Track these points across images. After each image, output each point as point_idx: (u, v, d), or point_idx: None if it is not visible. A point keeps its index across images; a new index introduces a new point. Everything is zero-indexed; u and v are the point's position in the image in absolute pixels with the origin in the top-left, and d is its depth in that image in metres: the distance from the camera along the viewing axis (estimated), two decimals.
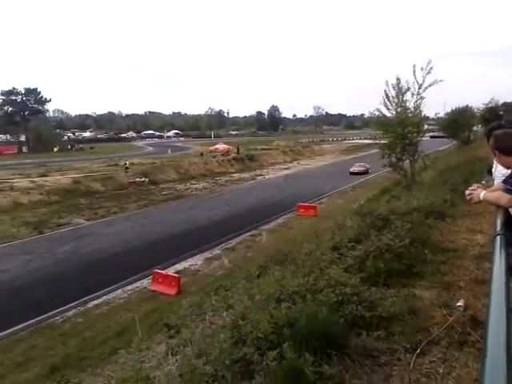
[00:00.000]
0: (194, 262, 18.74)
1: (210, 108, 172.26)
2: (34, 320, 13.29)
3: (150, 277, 16.14)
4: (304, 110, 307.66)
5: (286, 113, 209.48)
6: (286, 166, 59.61)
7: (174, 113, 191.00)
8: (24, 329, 12.87)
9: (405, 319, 4.54)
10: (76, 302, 14.55)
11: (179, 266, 17.98)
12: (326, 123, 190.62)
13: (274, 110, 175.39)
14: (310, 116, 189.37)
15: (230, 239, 22.00)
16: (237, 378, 3.98)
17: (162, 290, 15.25)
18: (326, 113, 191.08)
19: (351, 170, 47.36)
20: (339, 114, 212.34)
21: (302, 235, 16.00)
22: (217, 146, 70.91)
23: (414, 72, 22.37)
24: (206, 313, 6.74)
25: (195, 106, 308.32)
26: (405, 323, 4.46)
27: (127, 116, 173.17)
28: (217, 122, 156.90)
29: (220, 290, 9.22)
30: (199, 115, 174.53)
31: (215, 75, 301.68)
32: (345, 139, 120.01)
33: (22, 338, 12.41)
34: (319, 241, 9.41)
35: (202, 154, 60.10)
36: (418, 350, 3.92)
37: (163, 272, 16.02)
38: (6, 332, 12.57)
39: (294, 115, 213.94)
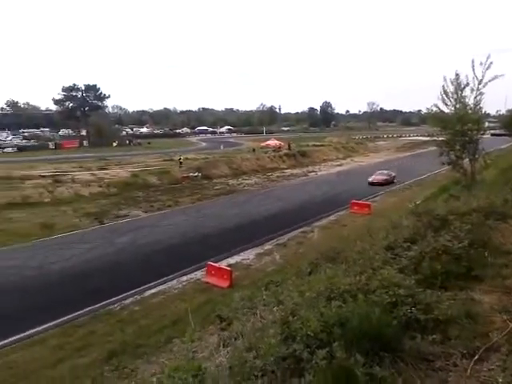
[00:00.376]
0: (246, 256, 18.98)
1: (261, 104, 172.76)
2: (92, 307, 13.95)
3: (204, 269, 16.52)
4: (357, 106, 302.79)
5: (339, 109, 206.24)
6: (338, 163, 58.74)
7: (226, 109, 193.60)
8: (83, 315, 13.52)
9: (462, 323, 4.39)
10: (133, 291, 15.15)
11: (231, 260, 18.28)
12: (380, 119, 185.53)
13: (327, 105, 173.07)
14: (364, 112, 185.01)
15: (281, 235, 22.06)
16: (286, 374, 4.00)
17: (215, 282, 15.59)
18: (381, 109, 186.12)
19: (370, 180, 38.20)
20: (394, 109, 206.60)
21: (355, 233, 15.73)
22: (268, 142, 70.90)
23: (473, 67, 21.37)
24: (257, 307, 6.80)
25: (247, 102, 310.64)
26: (462, 327, 4.31)
27: (182, 112, 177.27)
28: (268, 118, 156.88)
29: (271, 285, 9.25)
30: (251, 111, 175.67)
31: (267, 71, 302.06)
32: (400, 136, 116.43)
33: (81, 324, 13.04)
34: (373, 240, 9.23)
35: (253, 150, 60.39)
36: (476, 357, 3.78)
37: (216, 265, 16.35)
38: (66, 317, 13.26)
39: (347, 111, 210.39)
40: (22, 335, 12.14)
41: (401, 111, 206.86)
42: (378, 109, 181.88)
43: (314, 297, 5.22)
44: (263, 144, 69.66)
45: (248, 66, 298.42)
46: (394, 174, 39.54)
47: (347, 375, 3.56)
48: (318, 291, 5.31)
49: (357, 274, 5.57)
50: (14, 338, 12.02)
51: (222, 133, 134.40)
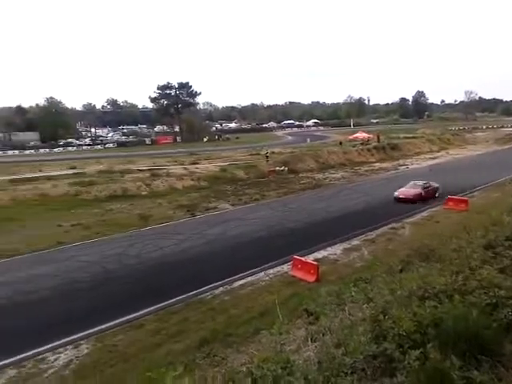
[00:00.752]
0: (333, 251, 18.78)
1: (349, 96, 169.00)
2: (186, 295, 14.61)
3: (290, 262, 16.63)
4: (453, 95, 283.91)
5: (433, 98, 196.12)
6: (432, 156, 55.83)
7: (313, 102, 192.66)
8: (177, 302, 14.22)
9: None
10: (223, 281, 15.65)
11: (318, 255, 18.17)
12: (478, 109, 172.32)
13: (420, 95, 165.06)
14: (461, 101, 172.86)
15: (370, 230, 21.50)
16: (377, 373, 3.96)
17: (302, 276, 15.61)
18: (480, 98, 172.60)
19: (396, 195, 28.21)
20: (494, 98, 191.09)
21: (450, 230, 14.94)
22: (356, 135, 69.53)
23: None
24: (345, 303, 6.78)
25: (334, 94, 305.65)
26: None
27: (269, 107, 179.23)
28: (356, 110, 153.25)
29: (359, 282, 9.12)
30: (338, 104, 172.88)
31: (355, 62, 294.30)
32: (502, 127, 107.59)
33: (175, 311, 13.72)
34: (470, 237, 8.73)
35: (340, 143, 59.60)
36: None
37: (302, 259, 16.35)
38: (162, 304, 14.02)
39: (442, 101, 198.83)
40: (120, 320, 13.02)
41: (501, 100, 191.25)
42: (477, 98, 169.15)
43: (406, 295, 5.11)
44: (351, 137, 68.46)
45: (336, 57, 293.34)
46: (435, 186, 29.70)
47: (442, 378, 3.45)
48: (411, 290, 5.19)
49: (453, 274, 5.36)
50: (113, 322, 12.90)
51: (309, 126, 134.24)
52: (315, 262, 16.11)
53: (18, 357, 11.14)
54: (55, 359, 11.24)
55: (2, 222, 24.68)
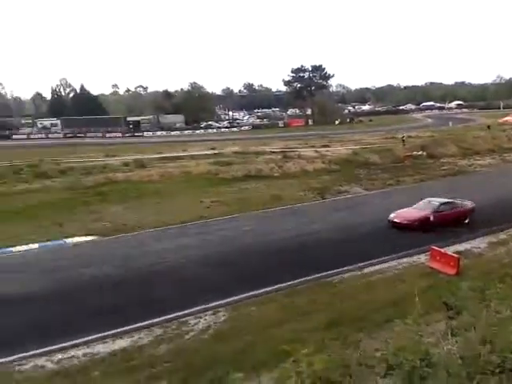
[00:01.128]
0: (477, 244, 17.53)
1: (498, 76, 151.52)
2: (316, 275, 14.85)
3: (427, 253, 15.94)
4: None
5: None
6: None
7: (456, 82, 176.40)
8: (308, 281, 14.53)
9: None
10: (351, 266, 15.55)
11: (459, 247, 17.10)
12: None
13: None
14: None
15: None
16: None
17: (440, 268, 14.84)
18: None
19: (391, 217, 19.95)
20: None
21: None
22: (507, 118, 63.02)
23: None
24: (491, 300, 6.38)
25: (482, 74, 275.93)
26: None
27: (406, 88, 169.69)
28: (507, 91, 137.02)
29: (507, 278, 8.44)
30: (486, 84, 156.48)
31: (507, 37, 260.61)
32: None
33: (301, 291, 14.01)
34: None
35: (488, 127, 54.58)
36: None
37: (442, 250, 15.46)
38: (293, 282, 14.43)
39: None
40: (256, 292, 13.81)
41: None
42: None
43: None
44: (501, 120, 62.09)
45: (483, 32, 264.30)
46: (466, 207, 20.66)
47: None
48: None
49: None
50: (249, 294, 13.74)
51: (451, 108, 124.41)
52: (455, 255, 15.14)
53: (164, 317, 12.42)
54: (195, 323, 12.27)
55: (151, 196, 27.73)
